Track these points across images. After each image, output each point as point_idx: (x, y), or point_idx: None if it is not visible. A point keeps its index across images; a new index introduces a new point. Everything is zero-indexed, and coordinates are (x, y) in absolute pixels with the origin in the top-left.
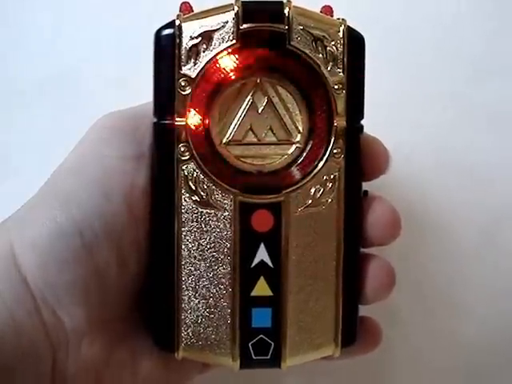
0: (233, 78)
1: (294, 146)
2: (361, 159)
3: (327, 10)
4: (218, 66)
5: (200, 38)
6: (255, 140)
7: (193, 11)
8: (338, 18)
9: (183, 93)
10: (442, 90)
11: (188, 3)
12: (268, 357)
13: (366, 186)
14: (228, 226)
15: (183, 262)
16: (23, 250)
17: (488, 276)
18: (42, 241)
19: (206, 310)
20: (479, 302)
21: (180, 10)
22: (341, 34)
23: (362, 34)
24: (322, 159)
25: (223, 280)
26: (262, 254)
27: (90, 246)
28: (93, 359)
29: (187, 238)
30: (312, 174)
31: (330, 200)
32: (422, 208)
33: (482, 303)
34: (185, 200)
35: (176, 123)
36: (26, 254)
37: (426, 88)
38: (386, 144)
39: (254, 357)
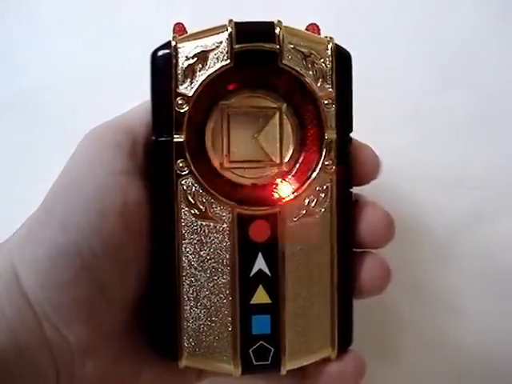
0: (227, 95)
1: (287, 159)
2: (350, 169)
3: (313, 27)
4: (213, 84)
5: (195, 58)
6: (250, 154)
7: (186, 31)
8: (326, 37)
9: (180, 111)
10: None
11: (181, 24)
12: (268, 362)
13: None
14: (227, 237)
15: (184, 273)
16: (25, 270)
17: (479, 279)
18: (42, 262)
19: (207, 318)
20: (472, 305)
21: (174, 31)
22: (329, 52)
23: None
24: (314, 171)
25: (223, 289)
26: (260, 264)
27: (91, 266)
28: (98, 375)
29: (187, 249)
30: (305, 186)
31: (323, 210)
32: (410, 213)
33: (475, 306)
34: (184, 213)
35: (174, 140)
36: (29, 274)
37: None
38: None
39: (254, 362)
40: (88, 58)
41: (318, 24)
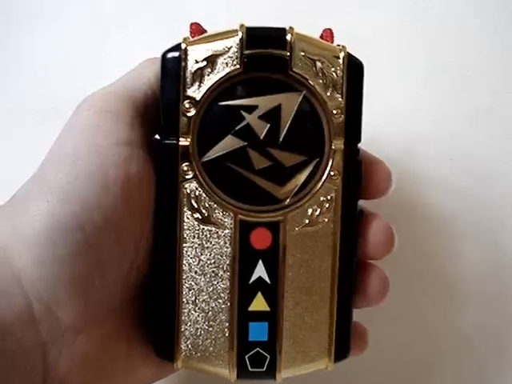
0: (235, 101)
1: (292, 167)
2: (357, 181)
3: (328, 33)
4: (221, 89)
5: (205, 62)
6: (256, 160)
7: (205, 31)
8: (339, 45)
9: (188, 114)
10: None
11: (198, 24)
12: (264, 369)
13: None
14: (228, 243)
15: (184, 277)
16: (17, 247)
17: (487, 272)
18: (39, 236)
19: (205, 323)
20: (477, 295)
21: (190, 30)
22: (341, 61)
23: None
24: (319, 181)
25: (222, 295)
26: (260, 271)
27: (92, 240)
28: (88, 354)
29: (188, 253)
30: (310, 195)
31: (326, 220)
32: (424, 203)
33: (480, 297)
34: (187, 217)
35: (180, 143)
36: (21, 251)
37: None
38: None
39: (250, 369)
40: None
41: (331, 29)
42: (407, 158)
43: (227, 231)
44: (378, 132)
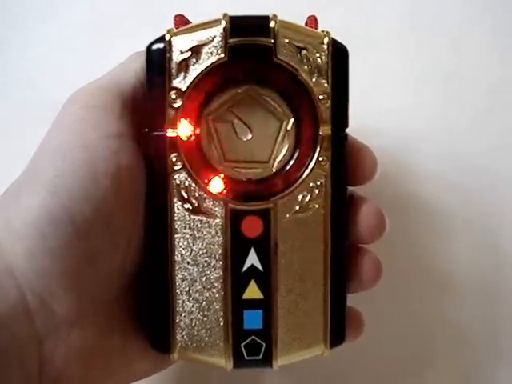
0: (221, 90)
1: (281, 155)
2: (346, 166)
3: (312, 20)
4: (207, 79)
5: (189, 53)
6: (244, 149)
7: (189, 22)
8: (323, 31)
9: (174, 105)
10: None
11: (182, 16)
12: (260, 357)
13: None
14: (219, 232)
15: (177, 268)
16: (9, 239)
17: (482, 267)
18: (29, 228)
19: (199, 313)
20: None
21: (174, 21)
22: (325, 46)
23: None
24: (308, 167)
25: (216, 284)
26: (252, 259)
27: (83, 232)
28: (83, 347)
29: (180, 244)
30: (299, 182)
31: (316, 206)
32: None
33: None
34: (177, 208)
35: (167, 134)
36: (13, 243)
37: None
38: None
39: (246, 357)
40: None
41: (315, 16)
42: (406, 156)
43: (218, 220)
44: (378, 130)
